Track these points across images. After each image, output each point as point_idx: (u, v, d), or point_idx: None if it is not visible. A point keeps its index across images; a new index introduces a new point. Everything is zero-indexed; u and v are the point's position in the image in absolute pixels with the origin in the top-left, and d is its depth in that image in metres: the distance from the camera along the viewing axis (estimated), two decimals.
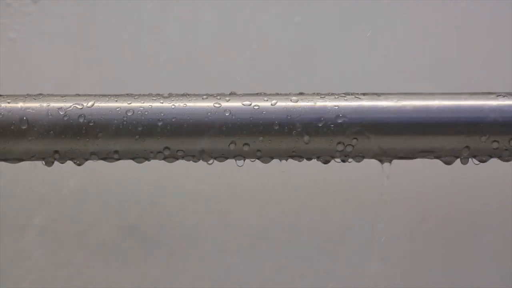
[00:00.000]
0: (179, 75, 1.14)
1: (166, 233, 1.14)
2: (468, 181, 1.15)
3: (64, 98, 0.84)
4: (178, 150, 0.84)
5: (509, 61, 1.15)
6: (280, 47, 1.15)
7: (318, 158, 0.86)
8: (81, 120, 0.83)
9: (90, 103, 0.84)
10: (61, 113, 0.83)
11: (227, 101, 0.85)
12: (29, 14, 1.13)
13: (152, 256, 1.14)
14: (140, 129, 0.83)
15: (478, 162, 0.87)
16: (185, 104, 0.84)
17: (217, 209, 1.15)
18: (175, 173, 1.12)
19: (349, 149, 0.85)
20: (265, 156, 0.86)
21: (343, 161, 0.87)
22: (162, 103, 0.84)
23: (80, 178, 1.13)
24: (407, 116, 0.85)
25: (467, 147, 0.85)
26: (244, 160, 0.86)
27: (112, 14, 1.14)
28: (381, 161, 0.87)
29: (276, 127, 0.84)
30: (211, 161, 0.86)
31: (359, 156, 0.86)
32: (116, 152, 0.84)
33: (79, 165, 0.85)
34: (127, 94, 0.85)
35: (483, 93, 0.87)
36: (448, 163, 0.87)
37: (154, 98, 0.85)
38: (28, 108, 0.83)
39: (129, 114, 0.83)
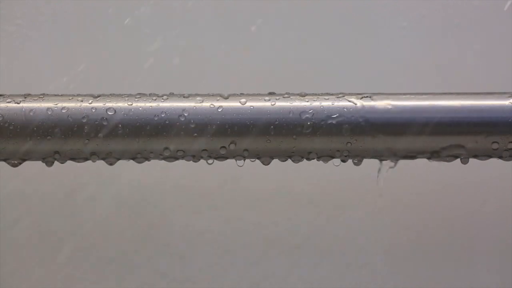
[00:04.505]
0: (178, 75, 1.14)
1: None
2: (468, 181, 1.15)
3: (64, 98, 0.84)
4: (178, 150, 0.84)
5: (509, 61, 1.15)
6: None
7: (318, 158, 0.86)
8: (81, 120, 0.83)
9: (90, 103, 0.84)
10: (61, 113, 0.83)
11: (227, 101, 0.85)
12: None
13: None
14: (140, 129, 0.83)
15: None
16: (185, 104, 0.84)
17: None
18: None
19: (349, 149, 0.85)
20: (265, 156, 0.86)
21: (343, 161, 0.87)
22: (162, 103, 0.84)
23: None
24: (407, 116, 0.85)
25: (466, 147, 0.85)
26: (244, 160, 0.86)
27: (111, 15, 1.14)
28: (381, 161, 0.87)
29: (276, 127, 0.84)
30: (211, 161, 0.86)
31: (359, 156, 0.86)
32: (116, 152, 0.84)
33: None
34: (127, 94, 0.85)
35: (483, 93, 0.87)
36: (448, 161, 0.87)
37: (154, 98, 0.85)
38: (28, 108, 0.83)
39: (129, 114, 0.83)
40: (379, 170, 0.87)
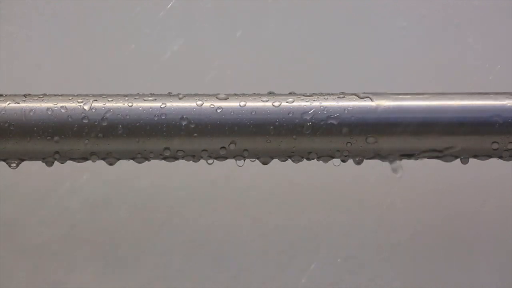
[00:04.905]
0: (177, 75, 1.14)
1: None
2: (468, 181, 1.15)
3: (64, 98, 0.84)
4: (178, 150, 0.84)
5: (509, 61, 1.15)
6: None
7: (318, 158, 0.86)
8: (81, 120, 0.83)
9: (90, 104, 0.84)
10: (61, 113, 0.83)
11: (227, 101, 0.85)
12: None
13: None
14: (140, 129, 0.83)
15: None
16: (185, 104, 0.84)
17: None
18: None
19: (349, 149, 0.85)
20: (265, 156, 0.86)
21: (343, 161, 0.87)
22: (163, 103, 0.84)
23: None
24: (407, 116, 0.85)
25: (467, 147, 0.85)
26: (244, 160, 0.86)
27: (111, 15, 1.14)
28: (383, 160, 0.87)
29: (276, 127, 0.84)
30: (211, 161, 0.86)
31: (359, 156, 0.86)
32: (116, 152, 0.84)
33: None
34: (127, 94, 0.85)
35: (483, 93, 0.87)
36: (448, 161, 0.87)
37: (154, 98, 0.85)
38: (28, 108, 0.83)
39: (129, 114, 0.83)
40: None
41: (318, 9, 1.15)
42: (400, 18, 1.16)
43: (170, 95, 0.85)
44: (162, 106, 0.84)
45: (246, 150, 0.85)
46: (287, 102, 0.85)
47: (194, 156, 0.85)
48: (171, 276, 1.14)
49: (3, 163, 0.85)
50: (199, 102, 0.84)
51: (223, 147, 0.84)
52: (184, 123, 0.83)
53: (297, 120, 0.84)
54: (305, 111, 0.84)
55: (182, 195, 1.13)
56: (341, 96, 0.86)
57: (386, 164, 0.87)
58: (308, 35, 1.16)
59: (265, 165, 0.87)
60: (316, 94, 0.86)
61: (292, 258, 1.15)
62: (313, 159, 0.86)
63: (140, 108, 0.84)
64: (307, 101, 0.85)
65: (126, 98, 0.84)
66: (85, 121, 0.83)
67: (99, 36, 1.14)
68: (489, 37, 1.16)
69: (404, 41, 1.16)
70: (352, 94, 0.86)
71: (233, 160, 0.86)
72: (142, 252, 1.14)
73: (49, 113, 0.83)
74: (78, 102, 0.84)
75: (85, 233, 1.13)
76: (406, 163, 0.87)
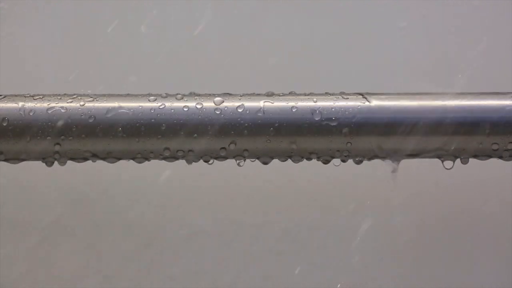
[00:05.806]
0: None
1: None
2: (468, 181, 1.15)
3: (64, 98, 0.84)
4: (178, 150, 0.84)
5: (510, 61, 1.15)
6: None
7: (318, 158, 0.86)
8: (81, 120, 0.83)
9: (90, 104, 0.84)
10: (61, 113, 0.83)
11: (227, 101, 0.85)
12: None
13: None
14: (140, 129, 0.83)
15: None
16: (185, 105, 0.84)
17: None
18: None
19: (349, 149, 0.85)
20: (265, 156, 0.86)
21: (343, 161, 0.87)
22: (162, 103, 0.84)
23: None
24: (407, 116, 0.85)
25: (467, 147, 0.85)
26: (244, 160, 0.86)
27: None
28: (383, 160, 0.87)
29: (276, 127, 0.84)
30: (211, 161, 0.86)
31: (359, 156, 0.86)
32: (116, 152, 0.84)
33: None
34: (127, 94, 0.85)
35: (483, 93, 0.87)
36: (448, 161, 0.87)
37: (154, 99, 0.85)
38: (28, 108, 0.83)
39: (129, 114, 0.83)
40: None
41: (318, 9, 1.15)
42: (400, 18, 1.16)
43: (169, 95, 0.85)
44: (161, 106, 0.84)
45: (246, 150, 0.85)
46: (287, 102, 0.85)
47: (194, 156, 0.85)
48: None
49: (3, 162, 0.85)
50: (199, 102, 0.84)
51: (223, 147, 0.84)
52: (184, 123, 0.83)
53: (297, 120, 0.84)
54: (305, 111, 0.84)
55: None
56: (341, 96, 0.86)
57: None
58: (307, 35, 1.16)
59: None
60: (316, 94, 0.86)
61: None
62: (313, 159, 0.86)
63: (140, 108, 0.84)
64: (307, 101, 0.85)
65: (126, 98, 0.85)
66: (85, 121, 0.83)
67: (99, 35, 1.14)
68: (489, 37, 1.16)
69: (404, 41, 1.16)
70: (352, 94, 0.86)
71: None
72: None
73: (49, 113, 0.83)
74: (78, 102, 0.84)
75: None
76: (406, 163, 0.87)
